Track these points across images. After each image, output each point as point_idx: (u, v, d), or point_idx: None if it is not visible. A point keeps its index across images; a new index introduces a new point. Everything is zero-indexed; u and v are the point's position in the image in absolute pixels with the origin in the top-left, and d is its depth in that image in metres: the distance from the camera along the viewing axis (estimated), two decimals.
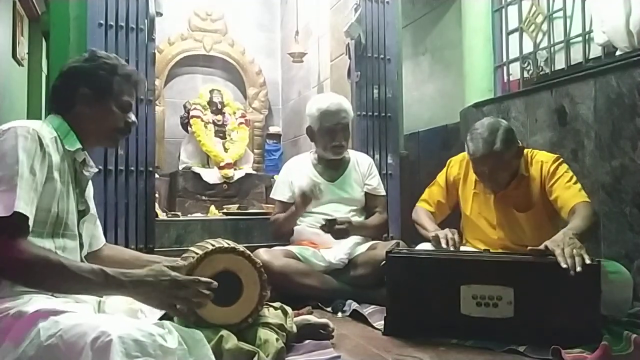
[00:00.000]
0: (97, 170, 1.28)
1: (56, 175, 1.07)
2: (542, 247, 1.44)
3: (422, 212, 1.95)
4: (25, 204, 0.95)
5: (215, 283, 1.05)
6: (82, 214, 1.17)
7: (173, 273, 1.01)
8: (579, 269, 1.31)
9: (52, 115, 1.16)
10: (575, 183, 1.69)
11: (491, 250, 1.71)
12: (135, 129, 2.18)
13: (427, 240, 1.83)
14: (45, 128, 1.09)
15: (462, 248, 1.79)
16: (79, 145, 1.14)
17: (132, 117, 1.24)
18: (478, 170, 1.76)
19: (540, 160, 1.77)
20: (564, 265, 1.33)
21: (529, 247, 1.50)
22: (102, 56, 1.21)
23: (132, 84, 1.23)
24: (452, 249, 1.64)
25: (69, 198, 1.11)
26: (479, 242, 1.86)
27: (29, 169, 0.99)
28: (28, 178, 0.98)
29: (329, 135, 2.19)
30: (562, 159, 1.78)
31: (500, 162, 1.69)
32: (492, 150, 1.66)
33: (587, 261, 1.33)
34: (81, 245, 1.16)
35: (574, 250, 1.35)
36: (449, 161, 2.01)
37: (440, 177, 1.99)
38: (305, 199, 2.07)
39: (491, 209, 1.82)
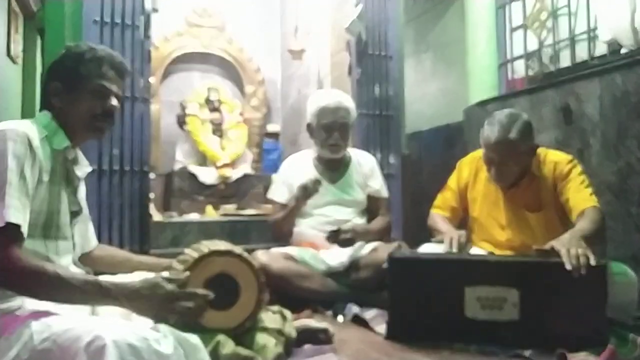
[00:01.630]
0: (90, 169, 1.26)
1: (46, 177, 1.05)
2: (547, 246, 1.44)
3: (438, 217, 1.92)
4: (17, 212, 0.95)
5: (212, 295, 1.05)
6: (74, 214, 1.16)
7: (169, 287, 1.01)
8: (583, 271, 1.31)
9: (41, 113, 1.15)
10: (587, 187, 1.66)
11: (497, 253, 1.71)
12: (130, 127, 2.21)
13: (438, 242, 1.80)
14: (35, 128, 1.07)
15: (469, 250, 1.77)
16: (67, 143, 1.12)
17: (112, 102, 1.17)
18: (488, 157, 1.70)
19: (554, 160, 1.74)
20: (569, 267, 1.32)
21: (534, 247, 1.49)
22: (71, 47, 1.18)
23: (108, 67, 1.16)
24: (454, 250, 1.62)
25: (60, 199, 1.10)
26: (486, 244, 1.84)
27: (19, 174, 0.97)
28: (18, 184, 0.97)
29: (326, 133, 2.15)
30: (576, 161, 1.75)
31: (512, 152, 1.64)
32: (507, 138, 1.63)
33: (593, 262, 1.33)
34: (74, 247, 1.16)
35: (580, 251, 1.35)
36: (458, 163, 1.98)
37: (452, 181, 1.96)
38: (306, 192, 2.03)
39: (501, 209, 1.79)
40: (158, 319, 1.01)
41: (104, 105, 1.15)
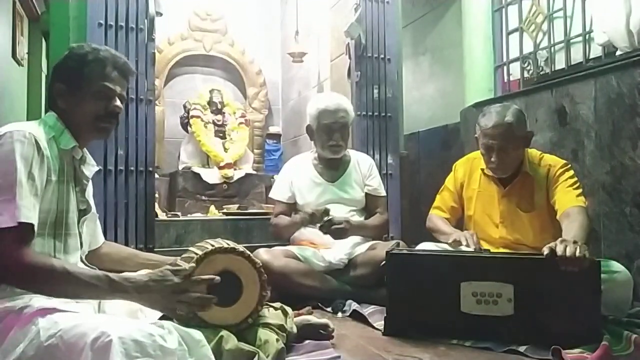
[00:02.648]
0: (97, 168, 1.27)
1: (54, 176, 1.06)
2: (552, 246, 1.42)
3: (437, 218, 1.95)
4: (27, 212, 0.95)
5: (218, 278, 1.06)
6: (83, 213, 1.17)
7: (176, 278, 1.01)
8: (578, 253, 1.32)
9: (48, 114, 1.15)
10: (576, 188, 1.69)
11: (492, 250, 1.72)
12: (134, 128, 2.23)
13: (437, 241, 1.84)
14: (42, 129, 1.08)
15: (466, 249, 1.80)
16: (73, 144, 1.13)
17: (116, 103, 1.16)
18: (487, 145, 1.73)
19: (549, 163, 1.78)
20: (560, 253, 1.34)
21: (545, 254, 1.43)
22: (74, 48, 1.17)
23: (112, 68, 1.16)
24: (472, 247, 1.65)
25: (68, 198, 1.11)
26: (482, 242, 1.85)
27: (27, 175, 0.98)
28: (27, 184, 0.97)
29: (327, 134, 2.19)
30: (570, 166, 1.78)
31: (510, 135, 1.69)
32: (504, 121, 1.70)
33: (587, 254, 1.33)
34: (81, 245, 1.16)
35: (577, 248, 1.35)
36: (454, 165, 2.02)
37: (449, 182, 2.00)
38: (313, 220, 2.05)
39: (495, 207, 1.83)
40: (167, 310, 1.02)
41: (108, 107, 1.15)
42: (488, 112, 1.75)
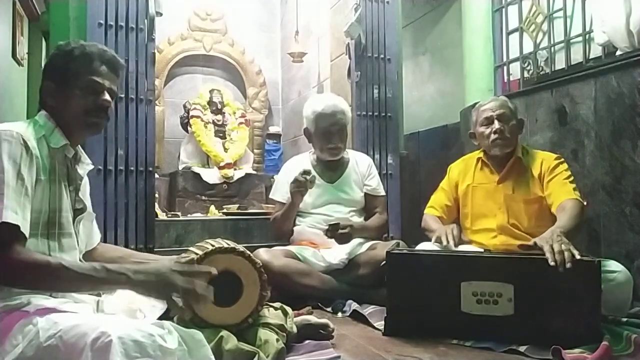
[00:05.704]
0: (92, 167, 1.26)
1: (44, 176, 1.05)
2: (531, 243, 1.47)
3: (429, 217, 1.97)
4: (13, 213, 0.94)
5: (215, 271, 1.05)
6: (78, 212, 1.16)
7: (173, 263, 1.02)
8: (568, 265, 1.32)
9: (39, 114, 1.14)
10: (571, 182, 1.73)
11: (493, 240, 1.76)
12: (134, 128, 2.23)
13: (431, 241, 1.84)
14: (31, 128, 1.07)
15: (463, 247, 1.80)
16: (64, 142, 1.12)
17: (105, 97, 1.14)
18: (487, 118, 1.85)
19: (542, 157, 1.85)
20: (552, 263, 1.34)
21: (518, 244, 1.55)
22: (61, 45, 1.16)
23: (99, 63, 1.14)
24: (450, 242, 1.66)
25: (61, 197, 1.09)
26: (479, 235, 1.87)
27: (16, 175, 0.97)
28: (15, 185, 0.97)
29: (325, 138, 2.18)
30: (563, 159, 1.83)
31: (506, 108, 1.86)
32: (500, 98, 1.93)
33: (577, 257, 1.34)
34: (78, 244, 1.15)
35: (562, 246, 1.37)
36: (449, 168, 2.05)
37: (444, 183, 2.03)
38: (300, 185, 2.02)
39: (492, 194, 1.86)
40: (163, 297, 1.01)
41: (96, 101, 1.13)
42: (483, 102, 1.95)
